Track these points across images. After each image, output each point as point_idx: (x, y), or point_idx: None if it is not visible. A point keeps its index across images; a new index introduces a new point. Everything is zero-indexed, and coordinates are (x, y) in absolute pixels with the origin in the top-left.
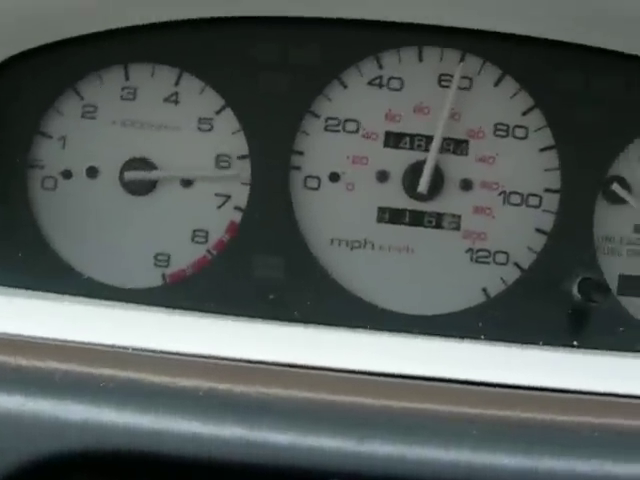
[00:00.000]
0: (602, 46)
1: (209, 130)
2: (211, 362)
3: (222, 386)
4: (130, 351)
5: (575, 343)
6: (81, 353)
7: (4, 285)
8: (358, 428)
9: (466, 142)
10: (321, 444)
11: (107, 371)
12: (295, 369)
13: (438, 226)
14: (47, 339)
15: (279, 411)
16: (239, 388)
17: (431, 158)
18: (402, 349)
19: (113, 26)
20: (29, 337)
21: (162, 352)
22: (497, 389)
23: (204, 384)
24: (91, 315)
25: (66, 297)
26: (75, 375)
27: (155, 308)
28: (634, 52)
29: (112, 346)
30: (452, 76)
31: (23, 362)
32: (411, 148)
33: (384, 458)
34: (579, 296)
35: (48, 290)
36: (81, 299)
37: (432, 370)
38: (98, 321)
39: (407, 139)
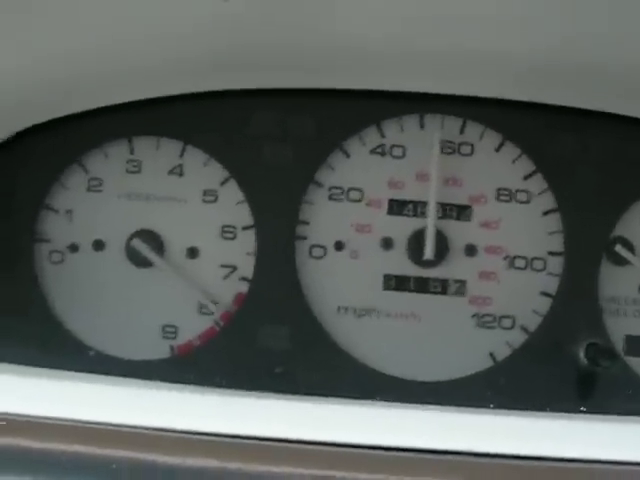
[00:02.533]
0: (599, 109)
1: (214, 201)
2: (219, 440)
3: (231, 465)
4: (141, 430)
5: (582, 408)
6: (89, 433)
7: (13, 362)
8: None
9: (469, 208)
10: None
11: (115, 452)
12: (301, 445)
13: (444, 292)
14: (53, 419)
15: None
16: (249, 467)
17: (430, 224)
18: (412, 422)
19: (117, 101)
20: (35, 417)
21: (170, 430)
22: (504, 460)
23: (212, 463)
24: (97, 394)
25: (72, 374)
26: (82, 456)
27: (162, 384)
28: (630, 114)
29: (120, 425)
30: (454, 142)
31: (30, 444)
32: (415, 215)
33: None
34: (586, 361)
35: (56, 364)
36: (88, 376)
37: (444, 444)
38: (105, 400)
39: (410, 206)
